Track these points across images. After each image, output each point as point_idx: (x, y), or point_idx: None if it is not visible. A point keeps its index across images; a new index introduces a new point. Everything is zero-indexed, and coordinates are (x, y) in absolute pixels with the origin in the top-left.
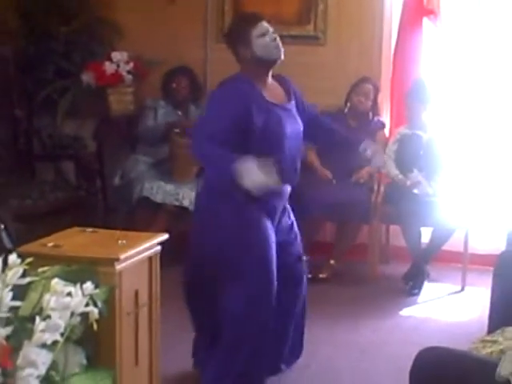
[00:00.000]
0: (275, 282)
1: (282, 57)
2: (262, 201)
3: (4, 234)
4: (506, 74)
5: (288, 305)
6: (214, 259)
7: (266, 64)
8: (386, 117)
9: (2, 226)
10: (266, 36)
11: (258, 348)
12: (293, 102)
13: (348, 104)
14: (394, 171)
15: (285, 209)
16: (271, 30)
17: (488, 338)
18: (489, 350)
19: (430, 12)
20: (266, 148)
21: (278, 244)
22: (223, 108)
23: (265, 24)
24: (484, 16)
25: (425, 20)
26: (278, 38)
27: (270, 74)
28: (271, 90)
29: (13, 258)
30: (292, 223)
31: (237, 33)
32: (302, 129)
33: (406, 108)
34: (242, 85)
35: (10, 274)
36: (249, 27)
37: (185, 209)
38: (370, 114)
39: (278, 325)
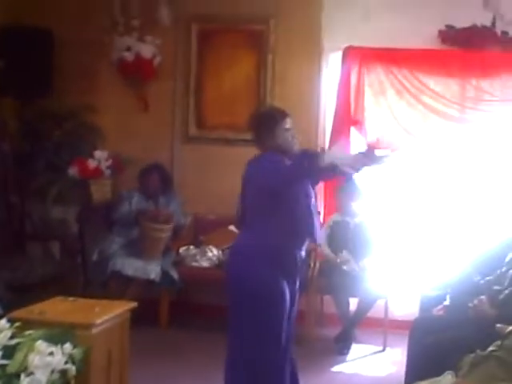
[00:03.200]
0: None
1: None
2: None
3: None
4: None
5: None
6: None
7: (282, 152)
8: (320, 207)
9: None
10: (289, 131)
11: None
12: None
13: None
14: (327, 250)
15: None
16: (291, 126)
17: None
18: None
19: (356, 122)
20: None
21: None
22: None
23: (289, 120)
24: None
25: (352, 129)
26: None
27: None
28: None
29: (2, 322)
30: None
31: (266, 123)
32: None
33: (337, 199)
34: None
35: (0, 336)
36: (278, 120)
37: (152, 281)
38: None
39: None
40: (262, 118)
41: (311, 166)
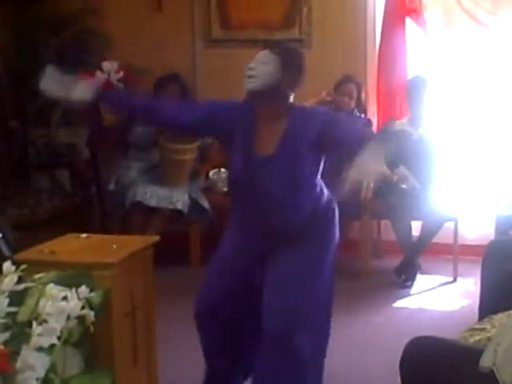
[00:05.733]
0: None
1: (249, 88)
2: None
3: (2, 243)
4: (492, 69)
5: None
6: None
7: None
8: (373, 114)
9: (0, 235)
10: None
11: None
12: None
13: (332, 106)
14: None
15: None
16: (256, 61)
17: (477, 326)
18: (477, 338)
19: (413, 11)
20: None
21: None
22: (222, 102)
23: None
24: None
25: (407, 19)
26: (252, 71)
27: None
28: (267, 128)
29: (7, 265)
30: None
31: None
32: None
33: (408, 103)
34: (244, 105)
35: (5, 280)
36: None
37: (179, 211)
38: (355, 113)
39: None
40: None
41: None
